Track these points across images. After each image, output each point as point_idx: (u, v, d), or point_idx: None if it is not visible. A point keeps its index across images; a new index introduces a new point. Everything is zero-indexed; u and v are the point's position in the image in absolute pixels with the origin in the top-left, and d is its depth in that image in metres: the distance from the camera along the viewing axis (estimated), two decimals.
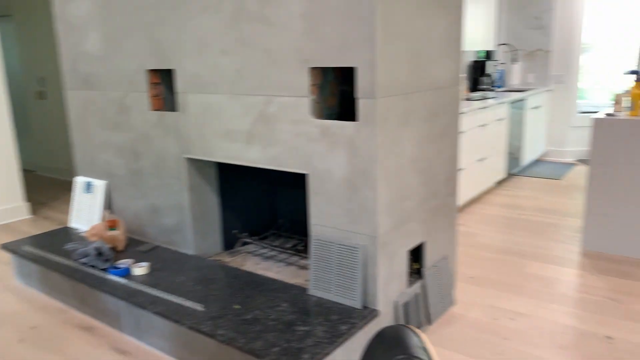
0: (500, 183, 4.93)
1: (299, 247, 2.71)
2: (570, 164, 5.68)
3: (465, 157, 3.95)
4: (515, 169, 5.09)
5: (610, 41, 6.25)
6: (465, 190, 4.04)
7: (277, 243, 2.85)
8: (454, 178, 2.48)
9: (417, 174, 2.18)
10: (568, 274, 2.88)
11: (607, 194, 3.10)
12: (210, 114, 2.42)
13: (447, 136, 2.36)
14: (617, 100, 3.30)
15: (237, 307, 2.10)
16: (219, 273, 2.47)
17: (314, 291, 2.17)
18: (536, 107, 5.42)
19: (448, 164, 2.41)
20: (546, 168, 5.51)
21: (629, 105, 3.12)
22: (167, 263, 2.62)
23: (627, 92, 3.23)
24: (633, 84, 3.11)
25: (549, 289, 2.70)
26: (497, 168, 4.62)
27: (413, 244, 2.23)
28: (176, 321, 2.03)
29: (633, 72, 3.13)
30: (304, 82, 2.06)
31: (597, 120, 3.07)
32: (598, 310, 2.45)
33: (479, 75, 5.28)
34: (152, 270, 2.53)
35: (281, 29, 2.07)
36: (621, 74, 5.09)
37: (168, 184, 2.74)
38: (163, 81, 2.74)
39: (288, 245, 2.80)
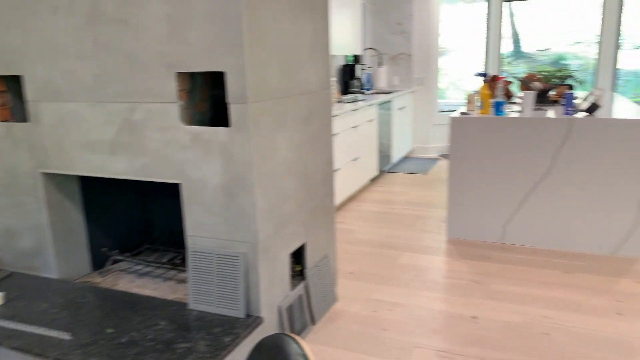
0: (373, 180, 5.13)
1: (177, 261, 2.59)
2: (435, 159, 6.11)
3: (340, 158, 4.06)
4: (386, 166, 5.29)
5: (463, 45, 6.89)
6: (342, 190, 4.15)
7: (152, 258, 2.69)
8: (330, 179, 2.54)
9: (294, 177, 2.19)
10: (436, 262, 3.10)
11: (465, 186, 3.38)
12: (67, 123, 2.22)
13: (321, 139, 2.42)
14: (470, 100, 3.62)
15: (110, 331, 1.95)
16: (88, 296, 2.27)
17: (195, 305, 2.09)
18: (402, 108, 5.73)
19: (324, 166, 2.46)
20: (414, 164, 5.84)
21: (480, 104, 3.43)
22: (26, 291, 2.35)
23: (477, 92, 3.55)
24: (482, 84, 3.43)
25: (421, 277, 2.89)
26: (370, 166, 4.80)
27: (294, 247, 2.25)
28: (38, 354, 1.82)
29: (481, 74, 3.46)
30: (171, 87, 1.97)
31: (454, 118, 3.32)
32: (464, 293, 2.67)
33: (348, 78, 5.46)
34: (8, 301, 2.25)
35: (143, 32, 1.95)
36: (472, 75, 5.61)
37: (22, 203, 2.45)
38: (10, 89, 2.45)
39: (164, 260, 2.66)
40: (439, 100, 6.38)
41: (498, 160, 3.27)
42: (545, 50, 8.03)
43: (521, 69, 7.90)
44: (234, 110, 1.86)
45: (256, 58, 1.86)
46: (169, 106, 1.99)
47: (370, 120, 4.69)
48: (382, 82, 6.06)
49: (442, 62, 6.50)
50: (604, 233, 3.13)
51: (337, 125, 3.95)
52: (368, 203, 4.37)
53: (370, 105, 4.66)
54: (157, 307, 2.12)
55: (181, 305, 2.13)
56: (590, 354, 2.09)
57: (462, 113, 3.42)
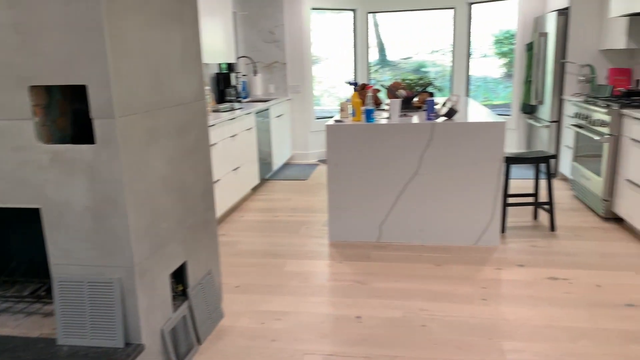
0: (255, 189, 5.08)
1: (41, 293, 2.34)
2: (314, 165, 6.22)
3: (220, 169, 3.97)
4: (268, 174, 5.29)
5: (334, 54, 7.13)
6: (224, 201, 4.06)
7: (11, 292, 2.40)
8: (210, 192, 2.47)
9: (170, 193, 2.10)
10: (320, 266, 3.16)
11: (343, 190, 3.48)
12: None
13: (198, 151, 2.35)
14: (343, 108, 3.74)
15: None
16: None
17: (65, 340, 1.90)
18: (279, 116, 5.76)
19: (203, 179, 2.39)
20: (295, 170, 5.89)
21: (352, 111, 3.57)
22: None
23: (349, 100, 3.68)
24: (353, 93, 3.57)
25: (307, 283, 2.92)
26: (251, 175, 4.75)
27: (175, 266, 2.15)
28: None
29: (352, 83, 3.60)
30: (24, 102, 1.77)
31: (329, 126, 3.40)
32: (348, 294, 2.76)
33: (224, 87, 5.36)
34: None
35: None
36: (344, 83, 5.82)
37: None
38: None
39: (26, 293, 2.39)
40: (315, 107, 6.50)
41: (371, 165, 3.40)
42: (408, 58, 8.64)
43: (387, 77, 8.42)
44: (99, 126, 1.73)
45: (122, 69, 1.75)
46: (22, 123, 1.79)
47: (248, 129, 4.65)
48: (258, 90, 6.03)
49: (315, 70, 6.64)
50: (466, 226, 3.40)
51: (215, 135, 3.86)
52: (251, 212, 4.33)
53: (247, 113, 4.62)
54: (20, 347, 1.90)
55: (49, 342, 1.93)
56: (461, 339, 2.28)
57: (336, 121, 3.52)
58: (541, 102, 5.36)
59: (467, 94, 6.58)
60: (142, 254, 1.89)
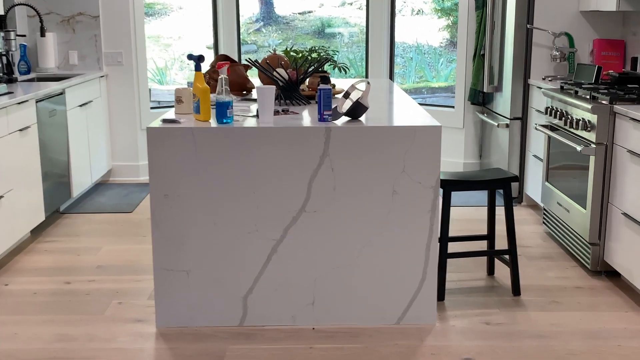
0: (38, 231, 4.81)
1: None
2: (147, 185, 5.86)
3: None
4: (63, 204, 5.22)
5: (186, 2, 6.85)
6: None
7: None
8: None
9: None
10: None
11: (178, 238, 3.29)
12: None
13: None
14: (180, 98, 3.54)
15: None
16: None
17: None
18: (86, 104, 5.55)
19: None
20: (113, 195, 5.70)
21: (196, 104, 3.32)
22: None
23: (191, 86, 3.44)
24: (196, 73, 3.34)
25: None
26: (29, 207, 4.49)
27: None
28: None
29: (193, 58, 3.38)
30: None
31: (152, 130, 3.19)
32: None
33: None
34: None
35: None
36: (184, 57, 5.70)
37: None
38: None
39: None
40: (152, 88, 6.34)
41: (227, 197, 3.27)
42: (307, 13, 8.56)
43: (274, 41, 8.26)
44: None
45: None
46: None
47: (24, 129, 4.39)
48: (49, 61, 5.86)
49: (152, 28, 6.38)
50: (384, 294, 3.34)
51: None
52: (24, 276, 4.05)
53: (21, 102, 4.35)
54: None
55: None
56: None
57: (167, 120, 3.34)
58: (498, 89, 5.47)
59: (391, 73, 6.68)
60: None
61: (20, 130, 4.30)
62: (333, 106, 3.35)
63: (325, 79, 3.61)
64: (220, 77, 3.26)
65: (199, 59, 3.36)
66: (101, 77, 5.87)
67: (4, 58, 5.16)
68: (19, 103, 4.28)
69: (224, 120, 3.24)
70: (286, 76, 3.80)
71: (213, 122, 3.28)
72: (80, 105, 5.39)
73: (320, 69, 4.02)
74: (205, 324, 3.35)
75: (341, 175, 3.21)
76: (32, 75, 5.65)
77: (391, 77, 6.66)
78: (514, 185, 5.25)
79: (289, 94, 3.85)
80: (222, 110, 3.23)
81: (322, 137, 3.17)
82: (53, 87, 4.87)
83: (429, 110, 6.33)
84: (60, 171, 5.01)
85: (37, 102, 4.57)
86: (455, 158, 6.16)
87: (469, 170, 5.76)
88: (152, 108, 6.27)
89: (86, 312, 3.56)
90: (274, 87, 3.31)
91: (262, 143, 3.19)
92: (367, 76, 6.64)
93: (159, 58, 7.34)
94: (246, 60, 3.89)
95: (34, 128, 4.52)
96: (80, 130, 5.39)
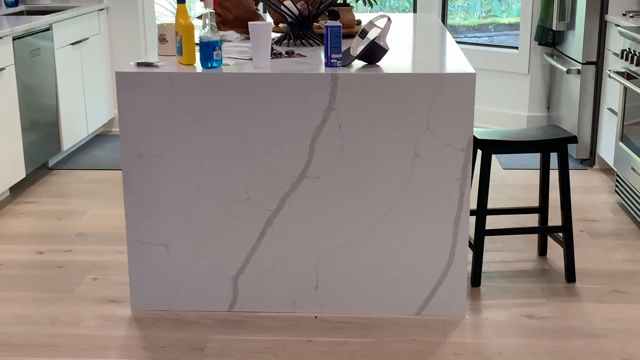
0: (17, 190, 4.88)
1: None
2: None
3: None
4: (52, 159, 5.30)
5: None
6: None
7: None
8: None
9: None
10: None
11: (154, 207, 3.30)
12: None
13: None
14: (162, 37, 3.58)
15: None
16: None
17: None
18: (80, 42, 5.60)
19: None
20: (111, 150, 5.77)
21: (178, 44, 3.32)
22: None
23: (173, 24, 3.42)
24: (178, 6, 3.33)
25: None
26: (8, 162, 4.55)
27: None
28: None
29: None
30: None
31: (121, 75, 3.18)
32: None
33: None
34: None
35: None
36: None
37: None
38: None
39: None
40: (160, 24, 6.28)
41: (215, 158, 3.25)
42: None
43: None
44: None
45: None
46: None
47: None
48: None
49: None
50: (401, 277, 3.30)
51: None
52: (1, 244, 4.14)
53: None
54: None
55: None
56: None
57: (142, 64, 3.31)
58: (570, 27, 5.39)
59: (444, 7, 6.57)
60: None
61: None
62: (345, 48, 3.26)
63: (334, 14, 3.45)
64: (207, 10, 3.26)
65: None
66: (100, 10, 5.88)
67: None
68: None
69: (210, 64, 3.20)
70: (296, 11, 3.71)
71: (196, 67, 3.26)
72: (73, 44, 5.42)
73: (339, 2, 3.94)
74: (189, 308, 3.36)
75: (350, 133, 3.17)
76: (20, 7, 5.70)
77: (444, 11, 6.51)
78: (581, 146, 5.25)
79: (299, 32, 3.77)
80: (208, 52, 3.19)
81: (328, 86, 3.11)
82: (38, 22, 4.88)
83: (489, 53, 6.20)
84: (48, 121, 5.10)
85: (14, 39, 4.59)
86: (518, 110, 6.12)
87: (535, 125, 5.72)
88: None
89: (54, 289, 3.59)
90: (271, 23, 3.31)
91: (254, 93, 3.16)
92: (415, 10, 6.49)
93: None
94: None
95: (11, 70, 4.55)
96: (72, 72, 5.43)
